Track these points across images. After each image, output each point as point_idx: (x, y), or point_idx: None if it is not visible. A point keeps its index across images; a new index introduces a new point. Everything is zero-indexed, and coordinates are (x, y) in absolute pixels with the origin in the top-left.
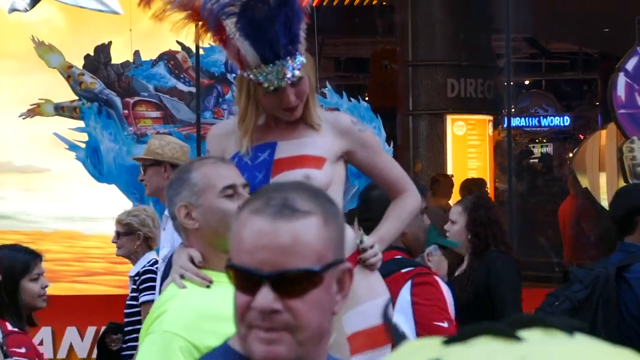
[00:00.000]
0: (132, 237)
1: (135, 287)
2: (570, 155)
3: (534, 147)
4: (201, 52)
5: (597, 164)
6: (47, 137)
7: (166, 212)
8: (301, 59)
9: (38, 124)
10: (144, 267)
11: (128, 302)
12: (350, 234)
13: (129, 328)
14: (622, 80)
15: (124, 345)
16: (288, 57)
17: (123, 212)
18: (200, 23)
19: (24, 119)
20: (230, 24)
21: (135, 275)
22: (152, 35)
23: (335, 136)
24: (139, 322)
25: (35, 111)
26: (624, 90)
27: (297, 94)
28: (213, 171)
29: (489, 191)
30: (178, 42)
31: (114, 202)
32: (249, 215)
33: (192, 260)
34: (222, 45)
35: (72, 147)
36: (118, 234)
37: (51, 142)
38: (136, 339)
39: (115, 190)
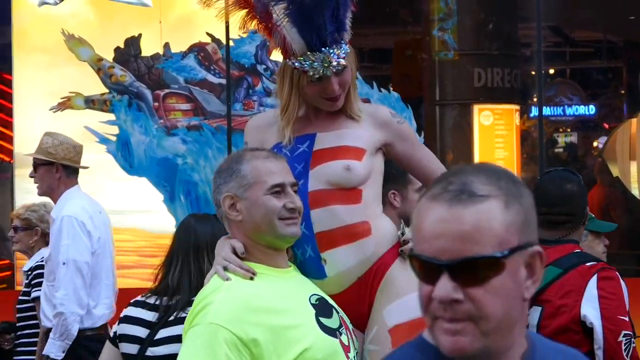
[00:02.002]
0: (29, 232)
1: (27, 282)
2: (595, 144)
3: (558, 136)
4: (231, 43)
5: (627, 153)
6: (78, 130)
7: (52, 214)
8: (346, 47)
9: (69, 117)
10: (36, 262)
11: (20, 298)
12: (391, 226)
13: (22, 324)
14: None
15: (17, 342)
16: (334, 46)
17: (21, 206)
18: (246, 10)
19: (54, 112)
20: (278, 11)
21: (28, 270)
22: (182, 27)
23: (374, 128)
24: (32, 318)
25: (65, 104)
26: None
27: (340, 84)
28: (264, 166)
29: None
30: (208, 34)
31: (144, 195)
32: (428, 202)
33: (234, 252)
34: (266, 34)
35: (103, 140)
36: (16, 229)
37: (82, 135)
38: (29, 335)
39: (146, 183)
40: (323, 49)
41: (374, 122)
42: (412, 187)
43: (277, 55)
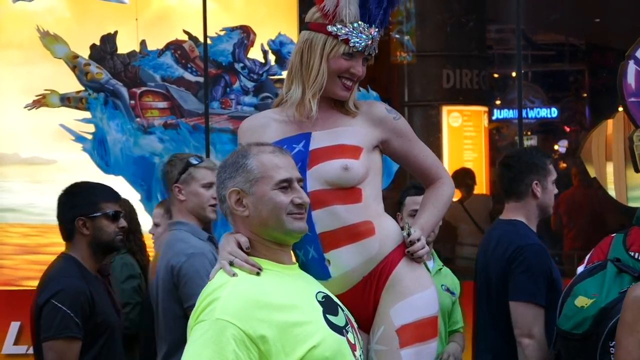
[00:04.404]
0: None
1: None
2: (556, 147)
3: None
4: (208, 41)
5: (604, 154)
6: (53, 128)
7: None
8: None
9: (44, 115)
10: None
11: None
12: (394, 225)
13: None
14: (632, 68)
15: None
16: (377, 29)
17: None
18: None
19: (29, 110)
20: None
21: None
22: (159, 25)
23: (370, 125)
24: None
25: (40, 102)
26: (634, 79)
27: (362, 71)
28: (271, 161)
29: (476, 182)
30: (185, 32)
31: (121, 194)
32: None
33: (239, 247)
34: None
35: (79, 138)
36: None
37: (57, 133)
38: None
39: (123, 182)
40: (372, 25)
41: (370, 119)
42: (550, 178)
43: (254, 54)
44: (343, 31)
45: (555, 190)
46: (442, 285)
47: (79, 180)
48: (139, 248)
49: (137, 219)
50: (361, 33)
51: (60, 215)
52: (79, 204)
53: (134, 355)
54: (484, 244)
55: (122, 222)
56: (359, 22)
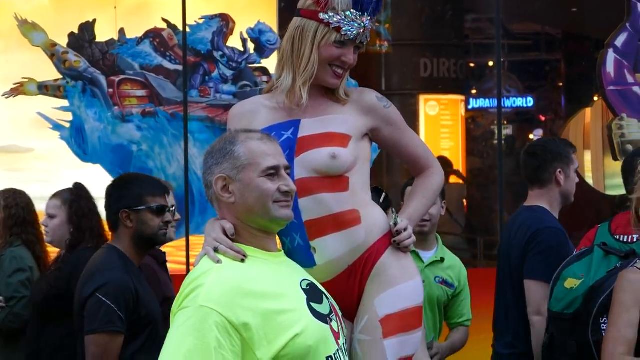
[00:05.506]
0: None
1: None
2: (532, 136)
3: (494, 128)
4: (187, 29)
5: (582, 142)
6: (31, 116)
7: None
8: (369, 32)
9: (21, 103)
10: None
11: None
12: (381, 214)
13: None
14: (611, 56)
15: None
16: (370, 18)
17: None
18: None
19: (6, 98)
20: None
21: None
22: (137, 13)
23: (359, 113)
24: None
25: (18, 90)
26: (613, 67)
27: (354, 60)
28: (259, 148)
29: (455, 170)
30: (164, 20)
31: (99, 182)
32: None
33: (224, 233)
34: None
35: (56, 126)
36: None
37: (35, 121)
38: None
39: (101, 170)
40: (365, 14)
41: (360, 108)
42: (573, 167)
43: (233, 42)
44: (335, 19)
45: (577, 179)
46: (435, 278)
47: (56, 168)
48: (37, 240)
49: (34, 210)
50: (353, 21)
51: (107, 207)
52: (124, 196)
53: (16, 349)
54: (507, 229)
55: (168, 217)
56: (352, 11)
